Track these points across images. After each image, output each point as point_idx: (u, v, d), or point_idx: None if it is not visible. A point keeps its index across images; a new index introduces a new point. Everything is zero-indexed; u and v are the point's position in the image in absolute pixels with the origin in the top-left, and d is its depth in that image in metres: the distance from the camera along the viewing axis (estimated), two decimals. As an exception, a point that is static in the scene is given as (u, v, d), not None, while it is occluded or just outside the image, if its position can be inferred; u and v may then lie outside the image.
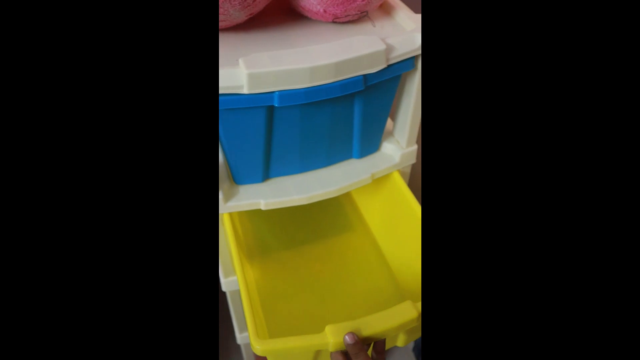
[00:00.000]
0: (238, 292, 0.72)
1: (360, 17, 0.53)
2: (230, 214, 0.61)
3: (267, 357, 0.50)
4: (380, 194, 0.70)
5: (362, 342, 0.46)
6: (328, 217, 0.80)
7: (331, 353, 0.47)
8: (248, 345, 0.85)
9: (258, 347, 0.45)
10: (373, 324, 0.47)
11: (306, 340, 0.46)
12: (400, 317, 0.47)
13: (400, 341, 0.54)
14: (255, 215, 0.80)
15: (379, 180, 0.67)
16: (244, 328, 0.80)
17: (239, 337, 0.82)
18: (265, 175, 0.59)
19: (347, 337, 0.45)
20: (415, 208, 0.61)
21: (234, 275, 0.69)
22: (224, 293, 0.73)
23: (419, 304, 0.48)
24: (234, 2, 0.44)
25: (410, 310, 0.48)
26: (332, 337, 0.45)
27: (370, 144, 0.62)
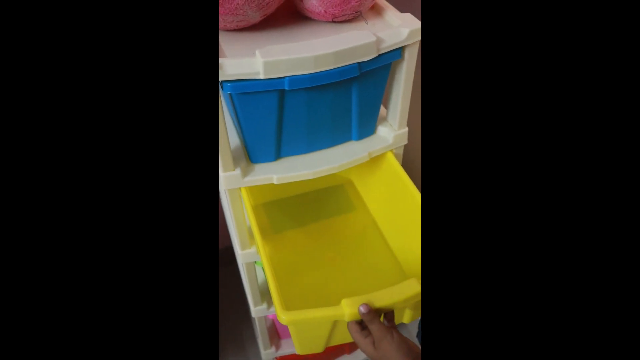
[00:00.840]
0: (253, 264, 0.81)
1: (354, 16, 0.63)
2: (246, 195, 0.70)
3: (290, 327, 0.57)
4: (377, 174, 0.80)
5: (375, 312, 0.52)
6: (332, 200, 0.89)
7: (348, 323, 0.54)
8: (262, 318, 0.93)
9: (284, 318, 0.52)
10: (383, 297, 0.53)
11: (326, 311, 0.53)
12: (406, 291, 0.54)
13: (406, 317, 0.62)
14: (267, 199, 0.89)
15: (375, 161, 0.76)
16: (258, 301, 0.88)
17: (254, 311, 0.90)
18: (277, 155, 0.68)
19: (361, 307, 0.52)
20: (408, 185, 0.70)
21: (250, 247, 0.77)
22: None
23: None
24: (252, 4, 0.54)
25: (415, 286, 0.55)
26: (348, 308, 0.52)
27: (367, 127, 0.71)
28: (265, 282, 0.93)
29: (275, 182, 0.67)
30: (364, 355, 1.20)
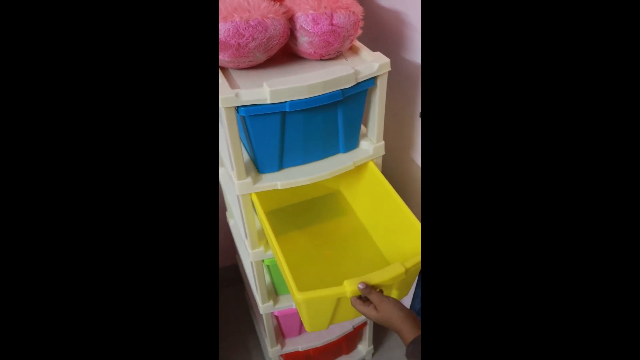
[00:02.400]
0: (261, 262, 0.95)
1: (337, 55, 0.81)
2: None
3: (301, 305, 0.70)
4: (361, 181, 0.96)
5: (371, 287, 0.67)
6: (324, 207, 1.05)
7: (351, 298, 0.69)
8: (269, 315, 1.06)
9: (299, 297, 0.66)
10: (376, 277, 0.68)
11: (332, 290, 0.68)
12: (392, 272, 0.69)
13: (394, 295, 0.76)
14: (271, 208, 1.04)
15: (359, 171, 0.93)
16: (265, 299, 1.02)
17: (262, 307, 1.03)
18: (280, 165, 0.84)
19: (360, 284, 0.66)
20: (387, 187, 0.86)
21: (258, 247, 0.92)
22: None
23: (406, 263, 0.70)
24: (260, 49, 0.72)
25: (399, 268, 0.69)
26: (350, 286, 0.67)
27: (351, 141, 0.88)
28: (271, 283, 1.07)
29: (279, 187, 0.83)
30: (360, 355, 1.32)
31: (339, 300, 0.71)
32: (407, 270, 0.69)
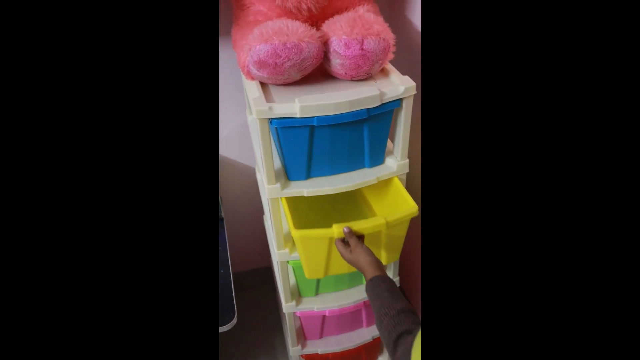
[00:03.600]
0: (286, 263, 1.03)
1: (367, 77, 0.88)
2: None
3: (297, 242, 0.85)
4: (386, 194, 1.01)
5: (353, 233, 0.82)
6: (351, 214, 1.10)
7: (335, 240, 0.83)
8: (291, 314, 1.13)
9: (295, 234, 0.82)
10: (359, 224, 0.83)
11: (323, 231, 0.83)
12: (375, 222, 0.84)
13: (384, 258, 0.91)
14: (300, 209, 1.11)
15: (386, 184, 0.98)
16: (288, 298, 1.09)
17: (285, 307, 1.10)
18: (308, 175, 0.91)
19: (345, 228, 0.82)
20: (410, 202, 0.91)
21: (284, 248, 0.99)
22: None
23: (388, 217, 0.84)
24: (294, 68, 0.80)
25: (381, 219, 0.84)
26: (337, 229, 0.82)
27: (376, 157, 0.94)
28: (295, 284, 1.13)
29: (305, 194, 0.90)
30: (379, 366, 1.35)
31: (330, 241, 0.84)
32: (387, 223, 0.83)
